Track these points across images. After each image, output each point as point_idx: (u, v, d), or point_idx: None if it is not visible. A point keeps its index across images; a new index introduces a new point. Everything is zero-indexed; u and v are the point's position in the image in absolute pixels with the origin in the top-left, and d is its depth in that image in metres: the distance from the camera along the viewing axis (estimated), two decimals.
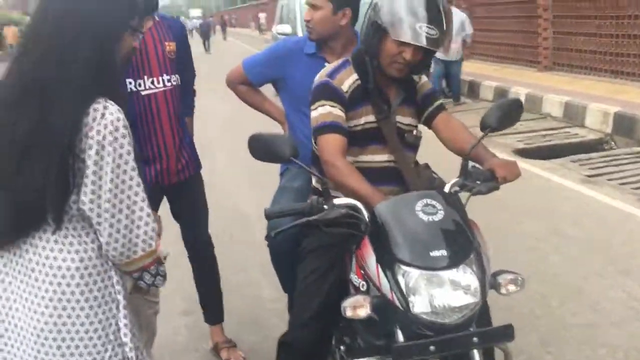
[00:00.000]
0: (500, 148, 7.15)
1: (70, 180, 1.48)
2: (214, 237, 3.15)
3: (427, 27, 1.99)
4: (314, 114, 2.18)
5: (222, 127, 9.05)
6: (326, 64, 2.49)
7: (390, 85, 2.22)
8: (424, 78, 2.36)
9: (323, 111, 2.15)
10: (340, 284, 2.12)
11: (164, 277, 1.74)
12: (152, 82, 2.61)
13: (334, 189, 2.19)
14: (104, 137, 1.46)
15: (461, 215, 1.87)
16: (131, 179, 1.54)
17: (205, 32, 31.12)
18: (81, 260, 1.57)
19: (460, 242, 1.80)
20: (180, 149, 2.78)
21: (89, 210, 1.51)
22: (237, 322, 3.49)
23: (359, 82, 2.19)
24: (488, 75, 11.44)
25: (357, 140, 2.19)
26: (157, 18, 2.68)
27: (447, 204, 1.86)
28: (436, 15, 2.02)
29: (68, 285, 1.56)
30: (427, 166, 2.38)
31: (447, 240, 1.79)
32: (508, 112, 2.09)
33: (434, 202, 1.83)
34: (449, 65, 10.00)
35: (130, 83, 2.56)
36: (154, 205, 2.71)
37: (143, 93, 2.59)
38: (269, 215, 1.95)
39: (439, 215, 1.81)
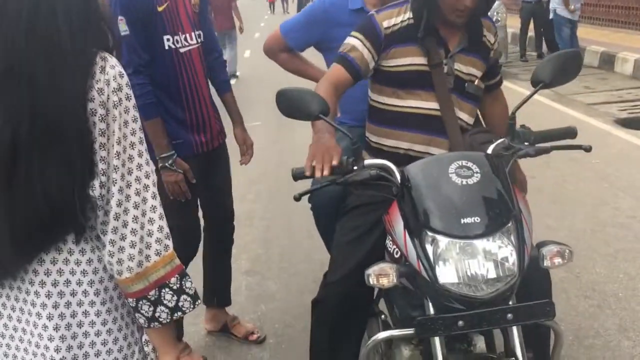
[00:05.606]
0: (601, 117, 6.63)
1: (95, 163, 1.13)
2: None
3: None
4: (345, 39, 2.10)
5: None
6: None
7: (451, 30, 2.06)
8: (499, 40, 2.23)
9: (351, 42, 2.07)
10: (382, 247, 1.98)
11: (193, 297, 1.23)
12: (186, 39, 2.46)
13: (369, 150, 2.05)
14: (107, 98, 1.13)
15: (501, 179, 1.69)
16: (140, 155, 1.17)
17: None
18: (95, 271, 1.21)
19: (498, 209, 1.63)
20: (215, 109, 2.70)
21: (99, 197, 1.14)
22: (301, 285, 3.49)
23: (411, 21, 2.04)
24: (595, 40, 10.60)
25: (402, 82, 2.05)
26: None
27: (486, 167, 1.68)
28: None
29: (80, 304, 1.20)
30: (486, 130, 2.16)
31: (482, 207, 1.62)
32: (564, 66, 1.84)
33: (469, 164, 1.66)
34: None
35: (168, 40, 2.41)
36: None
37: (181, 50, 2.45)
38: (295, 176, 1.84)
39: (475, 179, 1.64)
